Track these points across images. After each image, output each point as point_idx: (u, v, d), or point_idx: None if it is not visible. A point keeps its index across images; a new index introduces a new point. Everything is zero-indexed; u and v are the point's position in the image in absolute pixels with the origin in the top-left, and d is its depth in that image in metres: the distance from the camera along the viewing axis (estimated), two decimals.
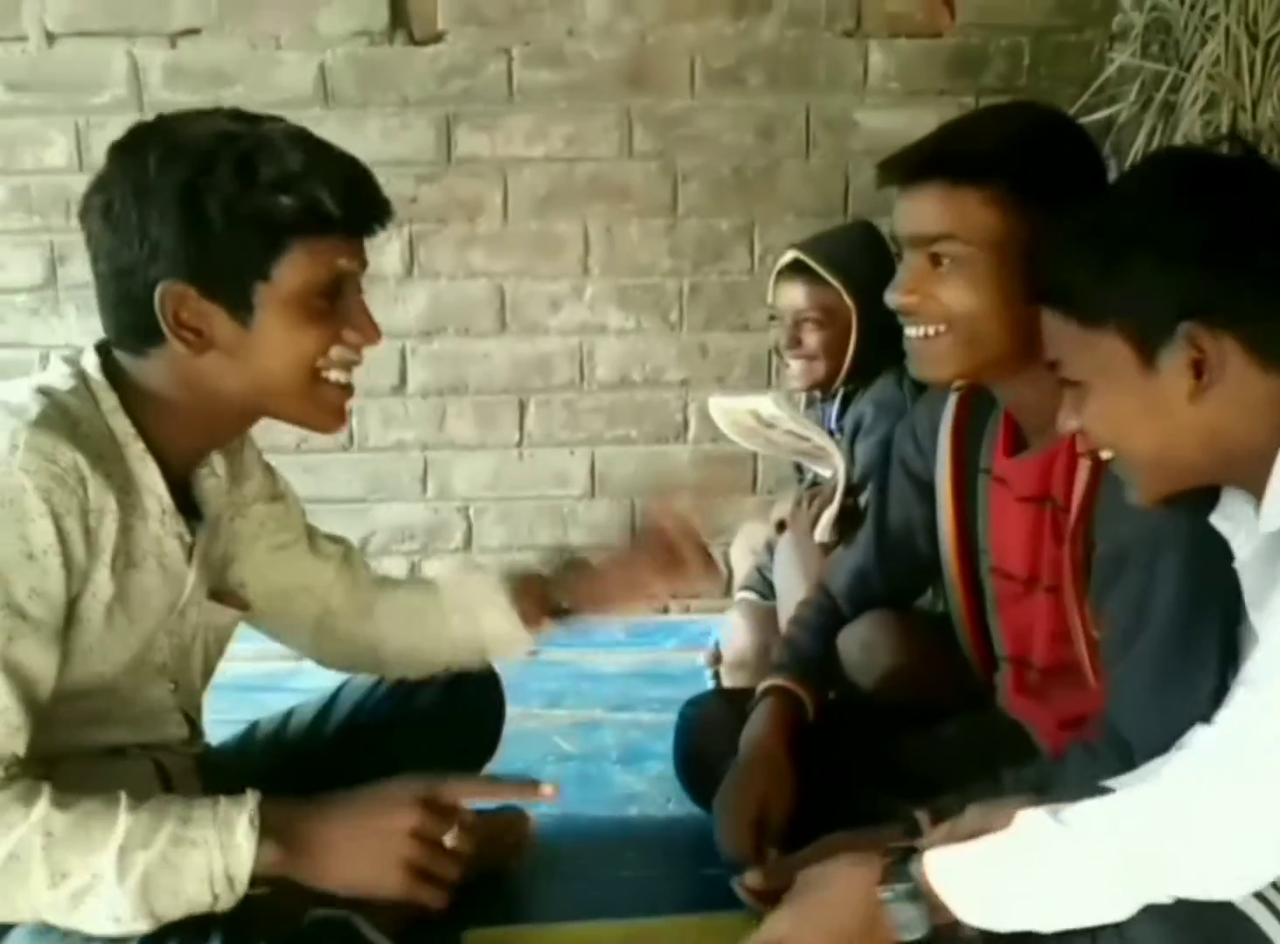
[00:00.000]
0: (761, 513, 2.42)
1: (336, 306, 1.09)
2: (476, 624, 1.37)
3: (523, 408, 2.55)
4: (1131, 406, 0.96)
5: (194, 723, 1.25)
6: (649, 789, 1.73)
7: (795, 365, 2.05)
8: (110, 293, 1.08)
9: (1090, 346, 0.97)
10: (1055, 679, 1.32)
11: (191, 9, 2.36)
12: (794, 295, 2.03)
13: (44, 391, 1.05)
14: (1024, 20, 2.43)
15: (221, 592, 1.24)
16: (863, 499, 1.95)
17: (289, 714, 1.45)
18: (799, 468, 2.24)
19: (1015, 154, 1.17)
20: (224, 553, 1.25)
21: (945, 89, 2.45)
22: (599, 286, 2.51)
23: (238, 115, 1.08)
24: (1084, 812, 0.94)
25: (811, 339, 2.02)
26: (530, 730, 1.91)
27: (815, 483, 2.11)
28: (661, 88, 2.44)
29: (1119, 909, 0.93)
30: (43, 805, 0.95)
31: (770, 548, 2.12)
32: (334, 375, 1.11)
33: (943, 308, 1.19)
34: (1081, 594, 1.22)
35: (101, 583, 1.05)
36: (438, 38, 2.41)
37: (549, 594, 1.39)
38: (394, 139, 2.44)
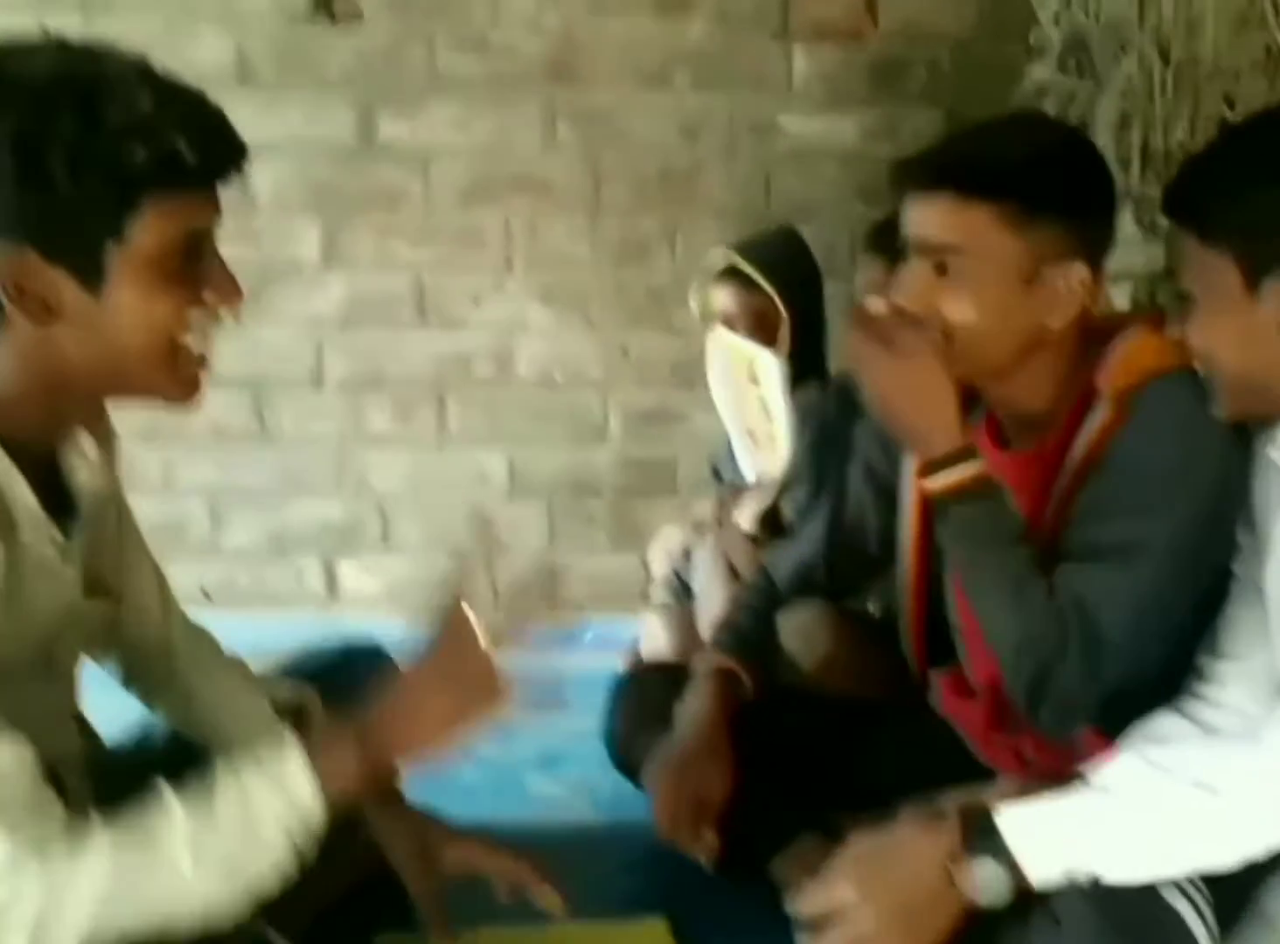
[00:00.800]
0: (680, 516, 2.43)
1: (194, 268, 0.99)
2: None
3: (442, 403, 2.52)
4: (1228, 327, 1.01)
5: (87, 724, 1.20)
6: (567, 796, 1.71)
7: None
8: None
9: (1204, 262, 1.00)
10: None
11: None
12: (727, 299, 2.03)
13: None
14: (945, 31, 2.47)
15: (92, 583, 1.14)
16: (784, 502, 1.97)
17: None
18: (716, 472, 2.25)
19: (1030, 171, 1.17)
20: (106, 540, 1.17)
21: (866, 97, 2.48)
22: (520, 282, 2.48)
23: (72, 48, 0.95)
24: (1183, 758, 0.98)
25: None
26: None
27: (734, 487, 2.12)
28: (586, 83, 2.42)
29: (1220, 857, 0.95)
30: (102, 838, 0.93)
31: (687, 552, 2.12)
32: (192, 342, 1.01)
33: (942, 319, 1.19)
34: (1058, 526, 1.23)
35: None
36: (357, 16, 2.36)
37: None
38: (313, 123, 2.38)
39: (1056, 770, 1.25)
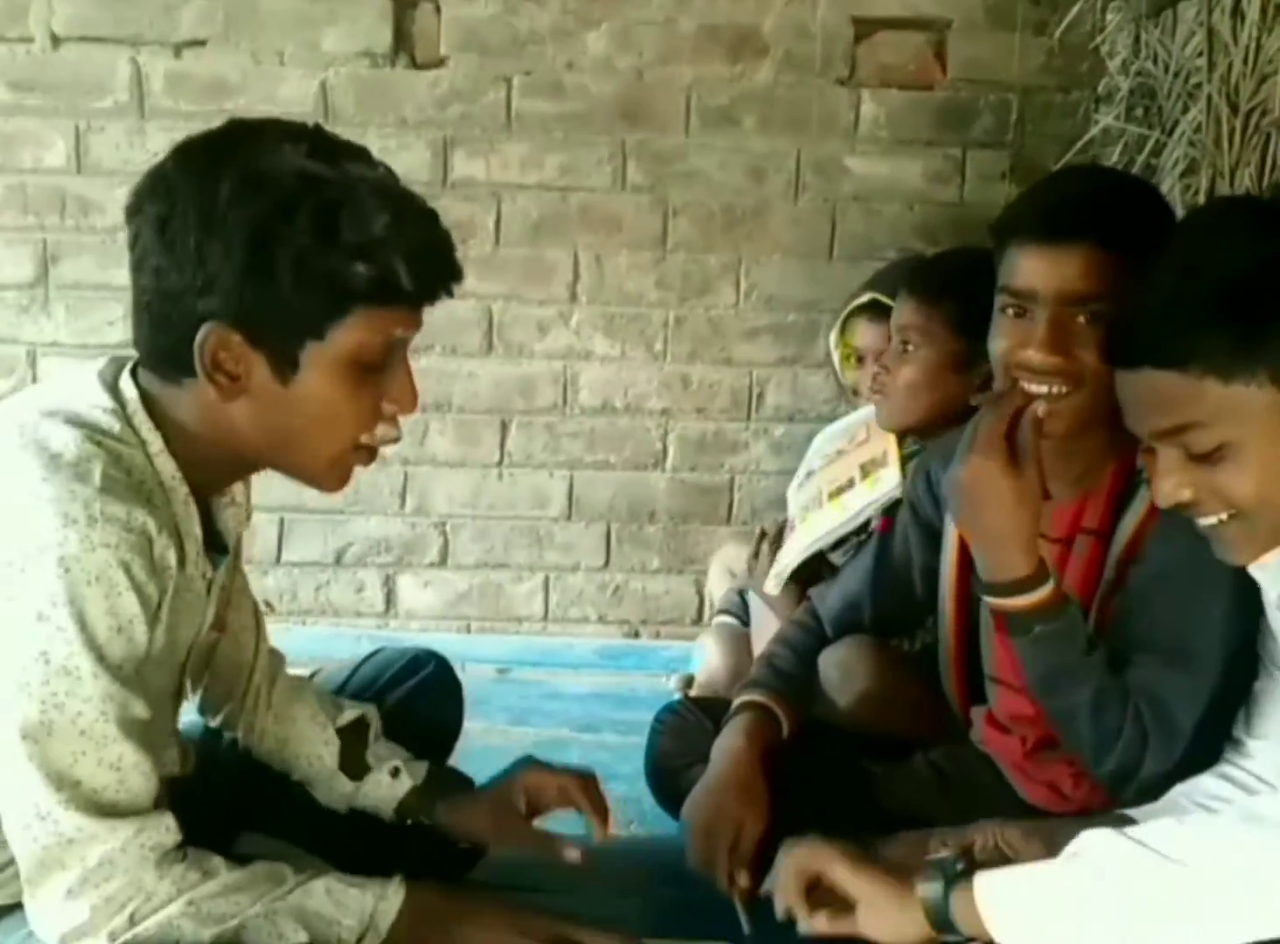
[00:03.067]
0: (737, 537, 2.46)
1: (380, 375, 1.02)
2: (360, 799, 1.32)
3: (505, 428, 2.58)
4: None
5: (185, 747, 1.24)
6: (612, 810, 1.74)
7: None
8: (150, 312, 1.01)
9: (1236, 403, 0.95)
10: None
11: (198, 20, 2.40)
12: (878, 336, 2.05)
13: (92, 437, 0.98)
14: (1013, 78, 2.49)
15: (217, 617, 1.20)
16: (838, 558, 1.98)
17: None
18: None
19: (1151, 225, 1.19)
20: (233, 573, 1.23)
21: (933, 140, 2.51)
22: (586, 313, 2.55)
23: (320, 147, 0.98)
24: (1171, 835, 0.95)
25: None
26: (495, 747, 1.90)
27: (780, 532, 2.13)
28: (656, 124, 2.48)
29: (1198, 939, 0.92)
30: (220, 866, 1.00)
31: (750, 571, 2.13)
32: (364, 443, 1.06)
33: (1083, 367, 1.19)
34: (1106, 616, 1.26)
35: (157, 634, 1.02)
36: (439, 62, 2.45)
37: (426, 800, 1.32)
38: (391, 159, 2.35)
39: (1093, 804, 1.27)
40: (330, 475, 1.07)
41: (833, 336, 2.20)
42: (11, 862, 0.99)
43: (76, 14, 2.39)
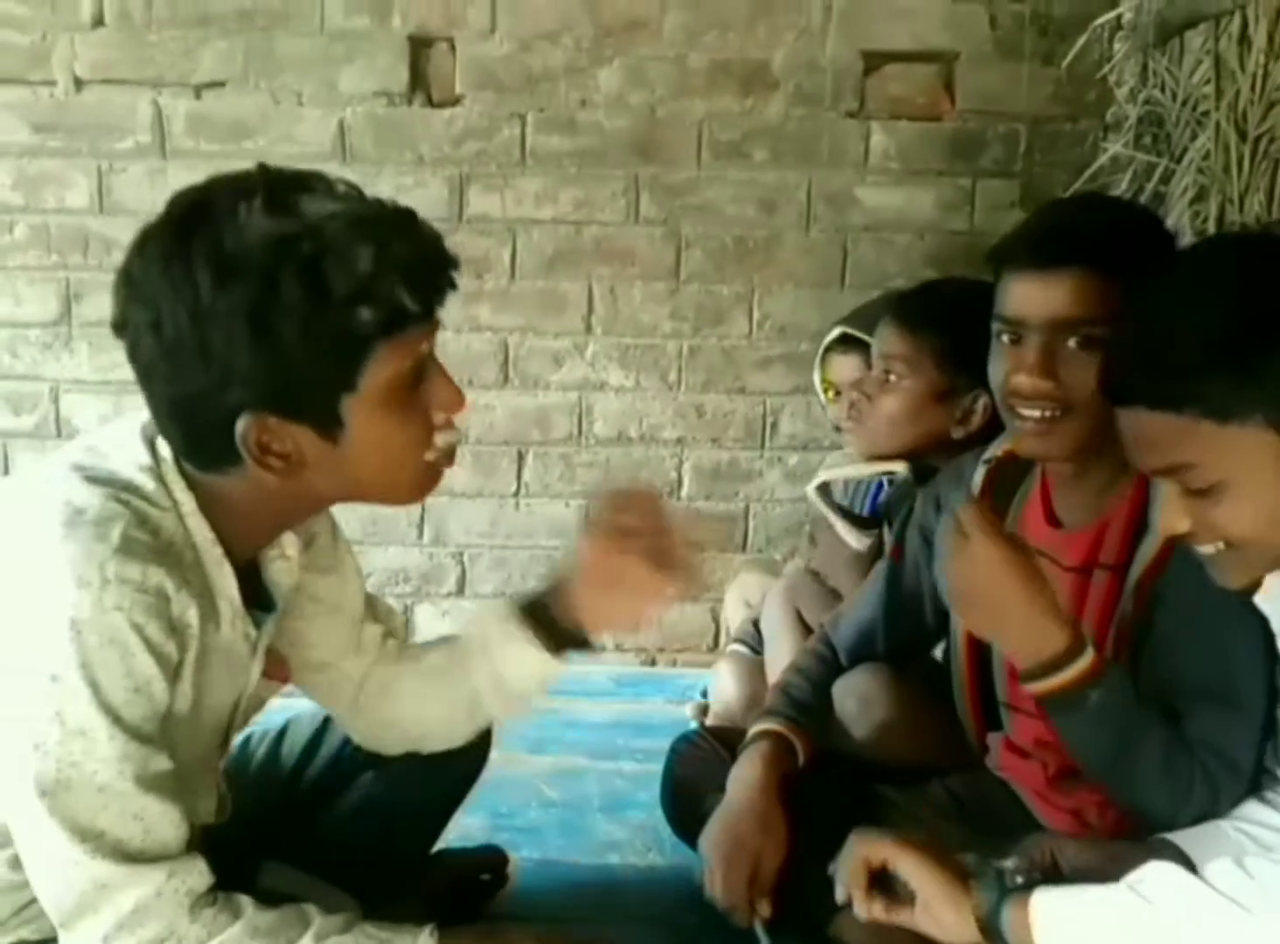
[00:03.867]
0: (752, 566, 2.47)
1: (421, 390, 1.01)
2: (500, 665, 1.25)
3: (521, 459, 2.61)
4: (1270, 499, 0.96)
5: (225, 796, 1.23)
6: (630, 838, 1.74)
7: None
8: (177, 418, 0.99)
9: (1232, 444, 0.95)
10: None
11: (217, 62, 2.44)
12: (850, 368, 2.09)
13: (120, 497, 0.98)
14: (1021, 108, 2.51)
15: (269, 664, 1.19)
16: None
17: (282, 733, 1.43)
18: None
19: (1147, 250, 1.21)
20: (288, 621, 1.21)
21: (943, 170, 2.53)
22: (601, 345, 2.57)
23: (275, 199, 0.94)
24: (1239, 880, 0.93)
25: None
26: (514, 775, 1.92)
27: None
28: (668, 158, 2.51)
29: None
30: (249, 908, 1.00)
31: (764, 599, 2.14)
32: (434, 458, 1.05)
33: (1071, 391, 1.21)
34: (1122, 649, 1.25)
35: (184, 690, 1.02)
36: (455, 101, 2.49)
37: (557, 620, 1.25)
38: (408, 196, 2.47)
39: (1118, 832, 1.27)
40: (416, 493, 1.07)
41: (815, 375, 2.23)
42: (35, 900, 1.00)
43: (99, 57, 2.44)
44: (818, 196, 2.54)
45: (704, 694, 2.20)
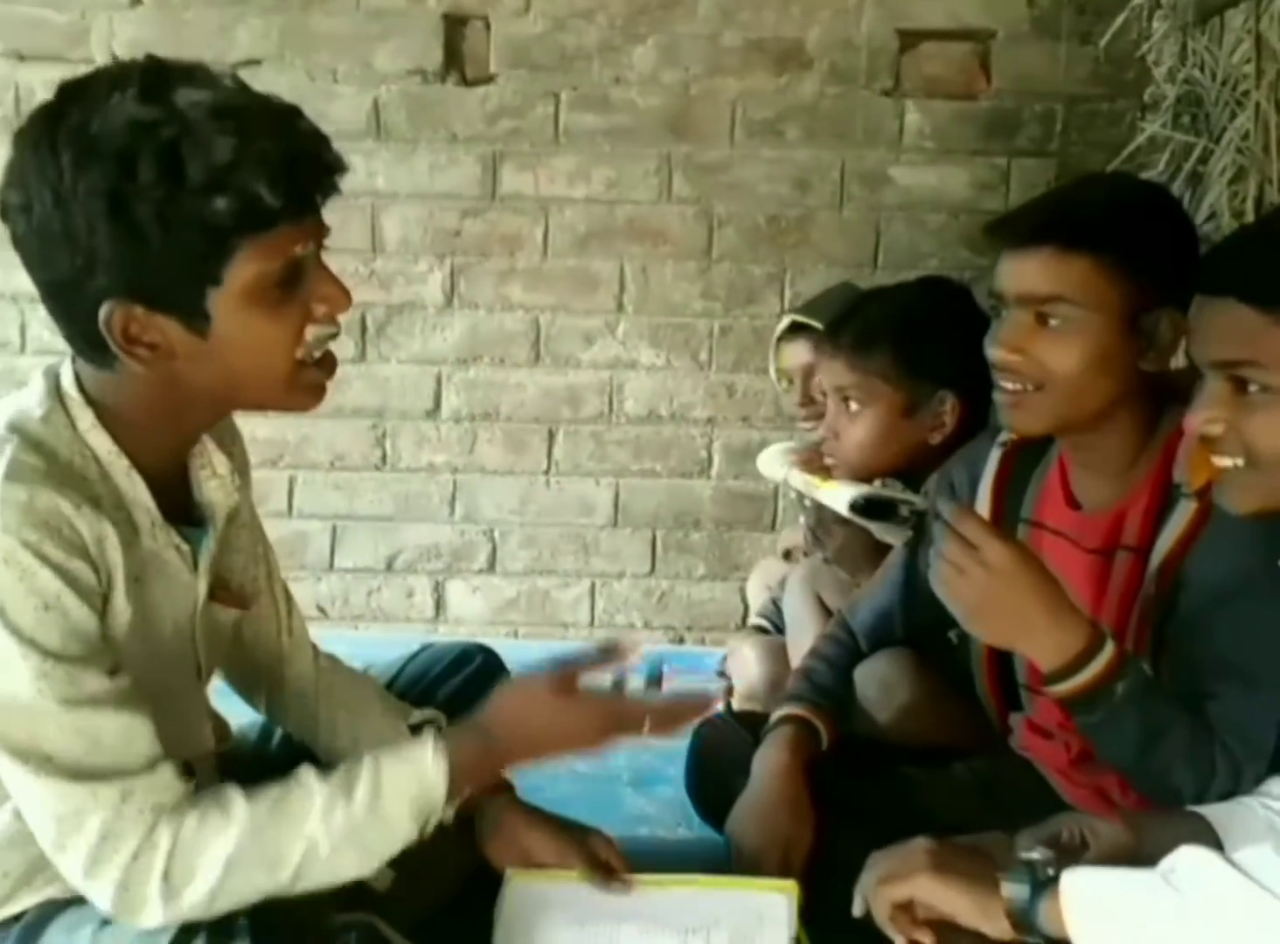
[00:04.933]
0: (776, 552, 2.48)
1: (298, 289, 1.00)
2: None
3: (552, 437, 2.62)
4: None
5: (222, 722, 1.26)
6: (659, 812, 1.76)
7: (811, 423, 2.08)
8: (53, 306, 0.99)
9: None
10: None
11: (253, 40, 2.46)
12: (799, 353, 2.09)
13: (13, 426, 0.99)
14: (1058, 87, 2.49)
15: (220, 590, 1.18)
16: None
17: None
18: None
19: (1126, 224, 1.23)
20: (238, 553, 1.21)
21: (978, 149, 2.52)
22: (632, 324, 2.57)
23: (149, 87, 0.93)
24: (1267, 863, 0.92)
25: (823, 393, 2.07)
26: None
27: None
28: (702, 137, 2.51)
29: None
30: (240, 804, 0.99)
31: (783, 582, 2.15)
32: (315, 356, 1.04)
33: (1042, 367, 1.23)
34: (1145, 632, 1.25)
35: (119, 607, 1.02)
36: (489, 79, 2.49)
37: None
38: (442, 174, 2.52)
39: (1141, 807, 1.27)
40: (294, 396, 1.05)
41: (771, 369, 2.23)
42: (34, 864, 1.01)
43: (137, 35, 2.46)
44: (851, 175, 2.53)
45: (721, 674, 2.20)
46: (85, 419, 1.02)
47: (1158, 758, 1.18)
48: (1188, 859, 0.95)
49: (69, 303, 0.97)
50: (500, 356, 2.58)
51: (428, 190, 2.52)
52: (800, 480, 1.89)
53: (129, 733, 0.98)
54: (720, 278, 2.56)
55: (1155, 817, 1.14)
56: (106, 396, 1.03)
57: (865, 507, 1.72)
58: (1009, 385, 1.26)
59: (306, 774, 1.03)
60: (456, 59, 2.48)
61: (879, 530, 1.86)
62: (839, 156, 2.52)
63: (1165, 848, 0.98)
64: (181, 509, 1.11)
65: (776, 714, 1.50)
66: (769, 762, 1.44)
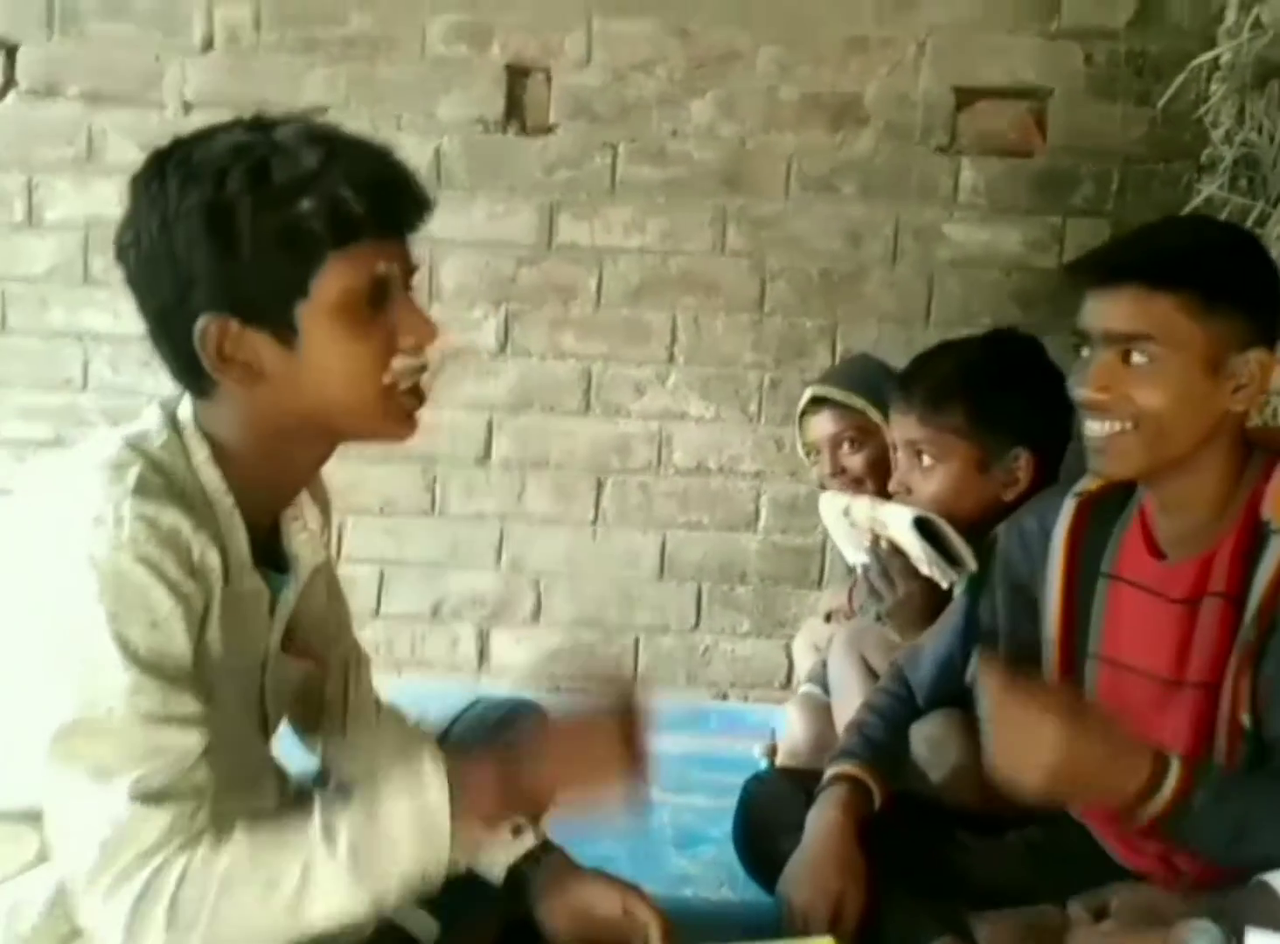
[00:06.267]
0: (819, 610, 2.45)
1: (384, 314, 1.03)
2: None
3: (600, 487, 2.61)
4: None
5: (284, 777, 1.25)
6: (703, 872, 1.74)
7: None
8: (157, 334, 1.03)
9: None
10: None
11: (321, 88, 2.50)
12: (824, 424, 2.09)
13: (135, 446, 1.02)
14: (1114, 147, 2.48)
15: (293, 644, 1.19)
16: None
17: None
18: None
19: (1210, 263, 1.23)
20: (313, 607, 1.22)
21: (1032, 207, 2.51)
22: (683, 375, 2.58)
23: (255, 124, 1.02)
24: None
25: (853, 461, 2.06)
26: None
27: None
28: (756, 190, 2.52)
29: None
30: (241, 826, 0.98)
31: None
32: (404, 385, 1.06)
33: (1133, 405, 1.22)
34: (1243, 682, 1.22)
35: (212, 638, 1.03)
36: (548, 129, 2.52)
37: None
38: (499, 222, 2.54)
39: (1211, 877, 1.23)
40: (387, 424, 1.07)
41: (798, 445, 2.22)
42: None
43: (207, 80, 2.51)
44: (904, 231, 2.53)
45: (774, 734, 2.18)
46: (200, 453, 1.05)
47: (1249, 847, 1.15)
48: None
49: (171, 325, 1.01)
50: (551, 404, 2.59)
51: (485, 238, 2.55)
52: (865, 502, 1.87)
53: (194, 756, 0.98)
54: (771, 330, 2.56)
55: (1223, 896, 1.10)
56: (217, 433, 1.06)
57: (927, 527, 1.72)
58: (1100, 426, 1.25)
59: (312, 801, 1.01)
60: (517, 109, 2.52)
61: (929, 560, 1.84)
62: (893, 212, 2.52)
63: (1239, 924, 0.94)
64: (267, 555, 1.12)
65: (829, 772, 1.48)
66: (822, 821, 1.42)
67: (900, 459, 1.80)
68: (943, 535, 1.74)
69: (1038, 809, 1.44)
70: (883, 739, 1.53)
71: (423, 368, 1.07)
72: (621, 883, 1.22)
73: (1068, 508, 1.42)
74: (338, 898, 0.97)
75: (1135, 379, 1.22)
